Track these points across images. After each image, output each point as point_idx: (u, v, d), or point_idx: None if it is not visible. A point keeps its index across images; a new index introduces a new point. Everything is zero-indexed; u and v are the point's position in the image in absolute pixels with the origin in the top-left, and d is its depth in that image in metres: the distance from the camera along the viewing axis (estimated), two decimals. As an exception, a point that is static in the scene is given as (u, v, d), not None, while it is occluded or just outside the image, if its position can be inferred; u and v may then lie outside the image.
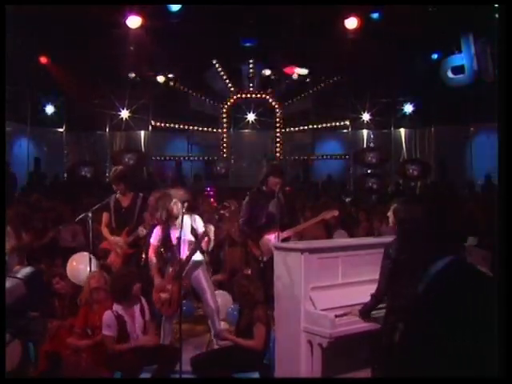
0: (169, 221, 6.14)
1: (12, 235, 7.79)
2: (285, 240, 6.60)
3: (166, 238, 6.15)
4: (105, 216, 6.99)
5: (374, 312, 4.58)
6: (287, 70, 16.98)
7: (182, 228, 5.66)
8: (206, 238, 6.27)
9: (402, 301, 4.08)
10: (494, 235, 2.97)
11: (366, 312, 4.56)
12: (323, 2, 12.31)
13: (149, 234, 6.47)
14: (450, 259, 3.17)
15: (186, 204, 5.88)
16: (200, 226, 6.27)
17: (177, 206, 6.12)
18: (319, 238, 7.65)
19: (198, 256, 6.23)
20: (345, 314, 4.60)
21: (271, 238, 6.63)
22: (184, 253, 6.07)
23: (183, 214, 5.75)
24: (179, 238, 5.84)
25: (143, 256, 7.54)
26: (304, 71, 16.88)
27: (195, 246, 6.10)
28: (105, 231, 6.97)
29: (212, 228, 6.53)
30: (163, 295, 6.03)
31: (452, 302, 2.91)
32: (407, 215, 4.37)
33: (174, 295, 5.95)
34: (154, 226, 6.35)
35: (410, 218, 4.31)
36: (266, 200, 6.76)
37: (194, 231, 6.19)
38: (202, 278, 6.27)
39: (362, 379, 4.78)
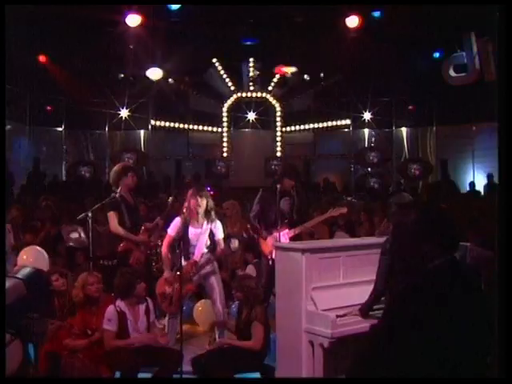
0: (190, 214, 6.08)
1: (12, 235, 7.80)
2: (295, 238, 6.76)
3: (183, 232, 6.07)
4: (115, 215, 6.50)
5: (374, 312, 4.56)
6: (287, 68, 16.96)
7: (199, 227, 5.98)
8: (221, 246, 6.21)
9: (397, 299, 4.06)
10: (495, 235, 2.95)
11: (365, 310, 4.54)
12: (324, 2, 12.28)
13: (166, 225, 6.42)
14: (444, 260, 3.12)
15: (211, 203, 6.10)
16: (219, 232, 6.20)
17: (202, 200, 6.08)
18: (324, 236, 7.71)
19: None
20: (346, 314, 4.59)
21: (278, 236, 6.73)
22: (198, 253, 6.06)
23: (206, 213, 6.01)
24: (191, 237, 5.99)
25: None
26: (292, 69, 16.80)
27: (210, 255, 6.08)
28: (122, 230, 6.49)
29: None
30: (168, 290, 6.00)
31: (445, 302, 2.87)
32: (402, 219, 4.33)
33: (177, 293, 5.89)
34: (173, 217, 6.31)
35: (405, 221, 4.25)
36: (276, 198, 6.79)
37: (211, 234, 6.16)
38: (215, 284, 6.19)
39: (363, 379, 4.75)
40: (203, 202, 6.09)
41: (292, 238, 6.82)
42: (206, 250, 6.14)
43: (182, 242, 5.97)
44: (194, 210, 6.07)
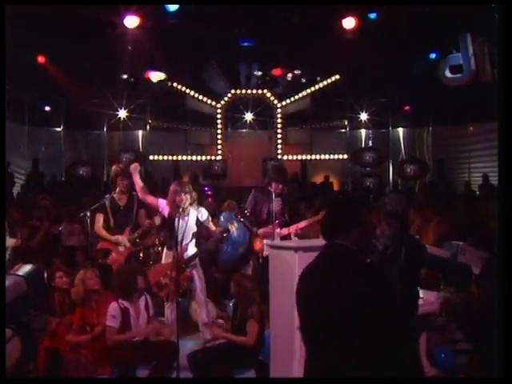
0: (179, 206, 6.29)
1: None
2: (284, 238, 6.90)
3: (170, 224, 6.31)
4: (99, 217, 6.99)
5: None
6: (284, 70, 16.99)
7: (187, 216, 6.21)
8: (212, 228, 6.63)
9: None
10: (491, 235, 2.97)
11: None
12: (321, 2, 12.30)
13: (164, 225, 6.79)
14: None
15: (194, 195, 6.40)
16: (204, 215, 6.55)
17: (191, 194, 6.38)
18: (316, 236, 7.76)
19: (193, 249, 6.44)
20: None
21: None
22: (185, 240, 6.21)
23: (191, 203, 6.30)
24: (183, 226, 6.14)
25: (141, 255, 7.64)
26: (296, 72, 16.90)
27: (196, 235, 6.40)
28: (103, 233, 6.95)
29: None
30: (163, 280, 6.14)
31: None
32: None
33: (171, 282, 6.03)
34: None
35: None
36: (268, 199, 6.99)
37: (198, 222, 6.47)
38: (195, 275, 6.41)
39: (361, 379, 4.76)
40: (187, 197, 6.33)
41: (282, 238, 6.98)
42: (191, 237, 6.38)
43: (169, 231, 6.35)
44: (179, 206, 6.26)
